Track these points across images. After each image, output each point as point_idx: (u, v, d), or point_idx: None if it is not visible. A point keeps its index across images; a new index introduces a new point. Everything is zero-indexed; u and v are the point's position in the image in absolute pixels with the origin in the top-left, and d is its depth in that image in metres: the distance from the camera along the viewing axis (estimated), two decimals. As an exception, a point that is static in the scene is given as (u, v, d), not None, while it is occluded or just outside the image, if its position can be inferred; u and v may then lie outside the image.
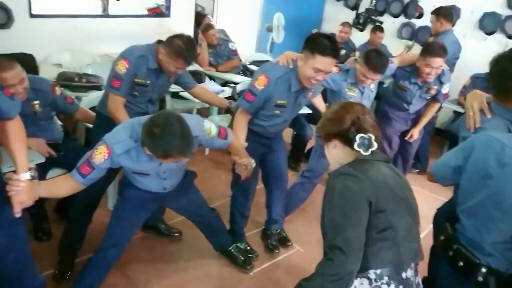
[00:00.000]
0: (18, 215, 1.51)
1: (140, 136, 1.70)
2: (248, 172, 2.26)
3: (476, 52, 4.54)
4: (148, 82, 2.35)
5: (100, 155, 1.73)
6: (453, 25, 4.11)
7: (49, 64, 4.13)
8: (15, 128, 1.53)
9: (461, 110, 4.66)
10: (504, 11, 4.84)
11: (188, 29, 5.33)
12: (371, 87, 2.92)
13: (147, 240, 2.76)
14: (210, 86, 3.88)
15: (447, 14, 3.98)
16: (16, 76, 2.26)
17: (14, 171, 1.56)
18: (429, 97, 3.22)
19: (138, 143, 1.74)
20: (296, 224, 3.10)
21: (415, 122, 3.36)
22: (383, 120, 3.26)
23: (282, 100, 2.29)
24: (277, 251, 2.79)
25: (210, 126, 2.00)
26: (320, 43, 2.07)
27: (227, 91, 3.93)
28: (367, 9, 5.67)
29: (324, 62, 2.08)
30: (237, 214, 2.66)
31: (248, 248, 2.70)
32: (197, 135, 1.87)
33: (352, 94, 2.80)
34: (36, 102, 2.49)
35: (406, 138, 3.36)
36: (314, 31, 6.11)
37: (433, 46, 2.99)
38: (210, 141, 2.03)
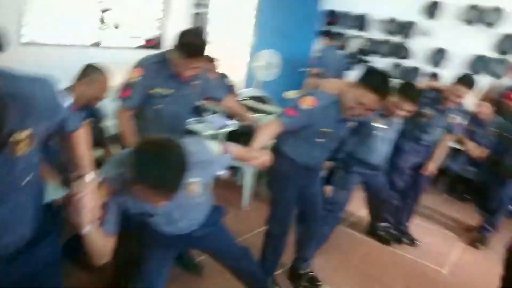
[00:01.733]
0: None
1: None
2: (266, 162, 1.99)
3: None
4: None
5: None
6: None
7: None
8: (86, 133, 1.44)
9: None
10: None
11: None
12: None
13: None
14: (216, 120, 3.77)
15: None
16: None
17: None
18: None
19: None
20: (319, 260, 2.85)
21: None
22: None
23: (327, 129, 2.20)
24: (309, 293, 2.60)
25: (213, 145, 1.75)
26: (372, 78, 2.06)
27: (230, 124, 3.80)
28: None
29: (367, 97, 2.04)
30: (271, 252, 2.47)
31: (279, 290, 2.50)
32: (204, 159, 1.63)
33: (381, 126, 2.71)
34: None
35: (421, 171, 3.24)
36: (304, 69, 6.22)
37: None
38: (219, 163, 1.77)
